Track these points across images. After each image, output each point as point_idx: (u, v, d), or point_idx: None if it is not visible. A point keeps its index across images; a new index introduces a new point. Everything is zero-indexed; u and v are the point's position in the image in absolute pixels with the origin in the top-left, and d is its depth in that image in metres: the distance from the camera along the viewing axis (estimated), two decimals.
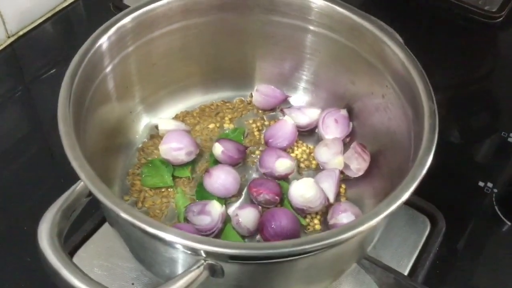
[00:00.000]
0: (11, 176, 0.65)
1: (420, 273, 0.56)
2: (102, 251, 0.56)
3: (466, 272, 0.59)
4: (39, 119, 0.73)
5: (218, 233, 0.55)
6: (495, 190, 0.65)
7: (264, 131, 0.64)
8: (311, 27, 0.60)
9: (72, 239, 0.56)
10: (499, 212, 0.63)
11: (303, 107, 0.65)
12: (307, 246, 0.39)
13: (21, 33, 0.80)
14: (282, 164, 0.59)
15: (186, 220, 0.56)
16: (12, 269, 0.57)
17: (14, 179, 0.65)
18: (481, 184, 0.66)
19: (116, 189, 0.58)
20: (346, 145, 0.62)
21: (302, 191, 0.56)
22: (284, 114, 0.64)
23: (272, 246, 0.39)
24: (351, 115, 0.63)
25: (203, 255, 0.40)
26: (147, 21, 0.57)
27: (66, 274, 0.39)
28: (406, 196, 0.43)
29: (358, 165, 0.59)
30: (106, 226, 0.57)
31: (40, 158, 0.67)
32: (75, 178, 0.44)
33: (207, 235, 0.54)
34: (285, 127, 0.61)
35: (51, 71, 0.76)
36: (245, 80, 0.67)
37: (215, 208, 0.54)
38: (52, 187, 0.63)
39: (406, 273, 0.56)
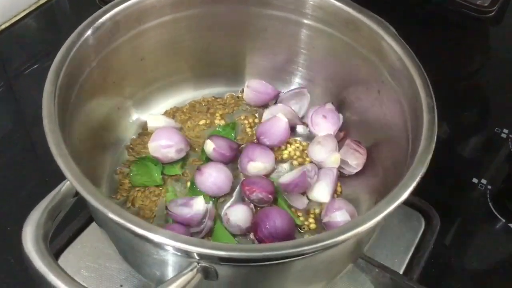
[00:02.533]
0: None
1: (416, 272, 0.55)
2: (89, 252, 0.55)
3: (461, 269, 0.59)
4: (22, 115, 0.71)
5: (208, 231, 0.54)
6: (489, 187, 0.65)
7: (255, 127, 0.63)
8: (306, 21, 0.59)
9: (58, 240, 0.54)
10: (493, 209, 0.63)
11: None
12: (305, 248, 0.38)
13: (3, 26, 0.78)
14: (253, 167, 0.58)
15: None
16: None
17: None
18: (475, 181, 0.65)
19: (104, 189, 0.56)
20: (340, 142, 0.61)
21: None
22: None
23: (271, 248, 0.38)
24: (346, 111, 0.62)
25: (196, 257, 0.39)
26: (135, 14, 0.55)
27: (53, 279, 0.38)
28: (406, 194, 0.42)
29: (355, 159, 0.58)
30: (93, 226, 0.56)
31: (23, 156, 0.66)
32: (60, 177, 0.43)
33: (196, 232, 0.53)
34: (277, 125, 0.60)
35: (35, 66, 0.74)
36: (236, 75, 0.66)
37: (199, 203, 0.53)
38: (36, 186, 0.62)
39: (401, 272, 0.56)
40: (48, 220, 0.41)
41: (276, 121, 0.60)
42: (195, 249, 0.38)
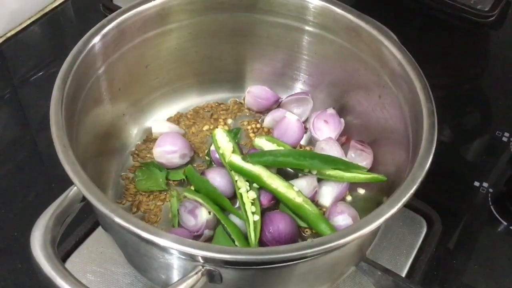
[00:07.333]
0: (0, 181, 0.63)
1: (418, 275, 0.56)
2: (95, 256, 0.55)
3: (463, 272, 0.59)
4: (27, 122, 0.71)
5: (206, 239, 0.54)
6: (491, 190, 0.65)
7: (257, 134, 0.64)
8: (307, 28, 0.59)
9: (65, 245, 0.55)
10: (494, 212, 0.63)
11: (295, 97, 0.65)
12: (309, 250, 0.39)
13: (9, 34, 0.79)
14: None
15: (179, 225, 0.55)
16: (3, 276, 0.56)
17: (2, 183, 0.63)
18: (476, 184, 0.66)
19: (110, 194, 0.57)
20: (344, 146, 0.61)
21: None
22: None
23: (275, 251, 0.39)
24: (348, 115, 0.62)
25: (201, 261, 0.39)
26: (140, 22, 0.56)
27: (61, 283, 0.38)
28: (406, 198, 0.42)
29: (364, 160, 0.59)
30: (99, 231, 0.57)
31: (29, 161, 0.66)
32: (66, 182, 0.43)
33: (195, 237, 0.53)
34: (291, 124, 0.60)
35: (40, 73, 0.75)
36: (239, 81, 0.66)
37: (203, 214, 0.53)
38: (42, 192, 0.62)
39: (403, 275, 0.56)
40: (56, 225, 0.42)
41: (288, 122, 0.61)
42: (200, 253, 0.38)
